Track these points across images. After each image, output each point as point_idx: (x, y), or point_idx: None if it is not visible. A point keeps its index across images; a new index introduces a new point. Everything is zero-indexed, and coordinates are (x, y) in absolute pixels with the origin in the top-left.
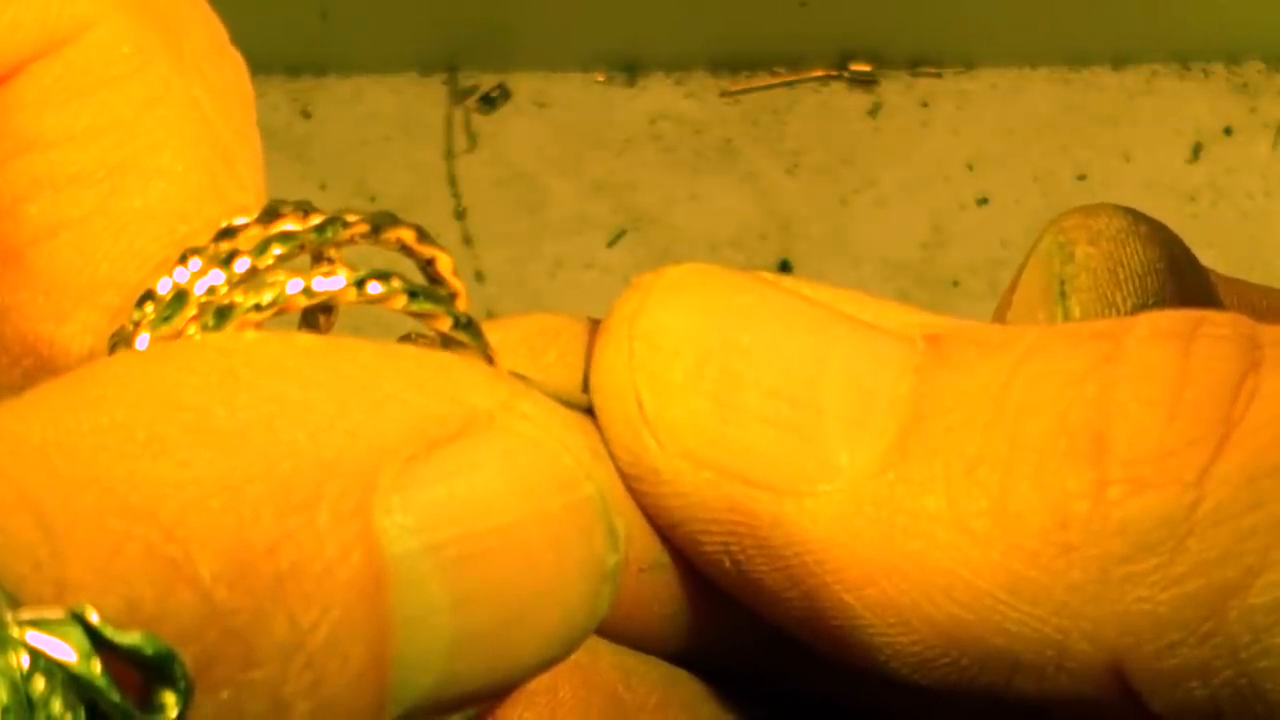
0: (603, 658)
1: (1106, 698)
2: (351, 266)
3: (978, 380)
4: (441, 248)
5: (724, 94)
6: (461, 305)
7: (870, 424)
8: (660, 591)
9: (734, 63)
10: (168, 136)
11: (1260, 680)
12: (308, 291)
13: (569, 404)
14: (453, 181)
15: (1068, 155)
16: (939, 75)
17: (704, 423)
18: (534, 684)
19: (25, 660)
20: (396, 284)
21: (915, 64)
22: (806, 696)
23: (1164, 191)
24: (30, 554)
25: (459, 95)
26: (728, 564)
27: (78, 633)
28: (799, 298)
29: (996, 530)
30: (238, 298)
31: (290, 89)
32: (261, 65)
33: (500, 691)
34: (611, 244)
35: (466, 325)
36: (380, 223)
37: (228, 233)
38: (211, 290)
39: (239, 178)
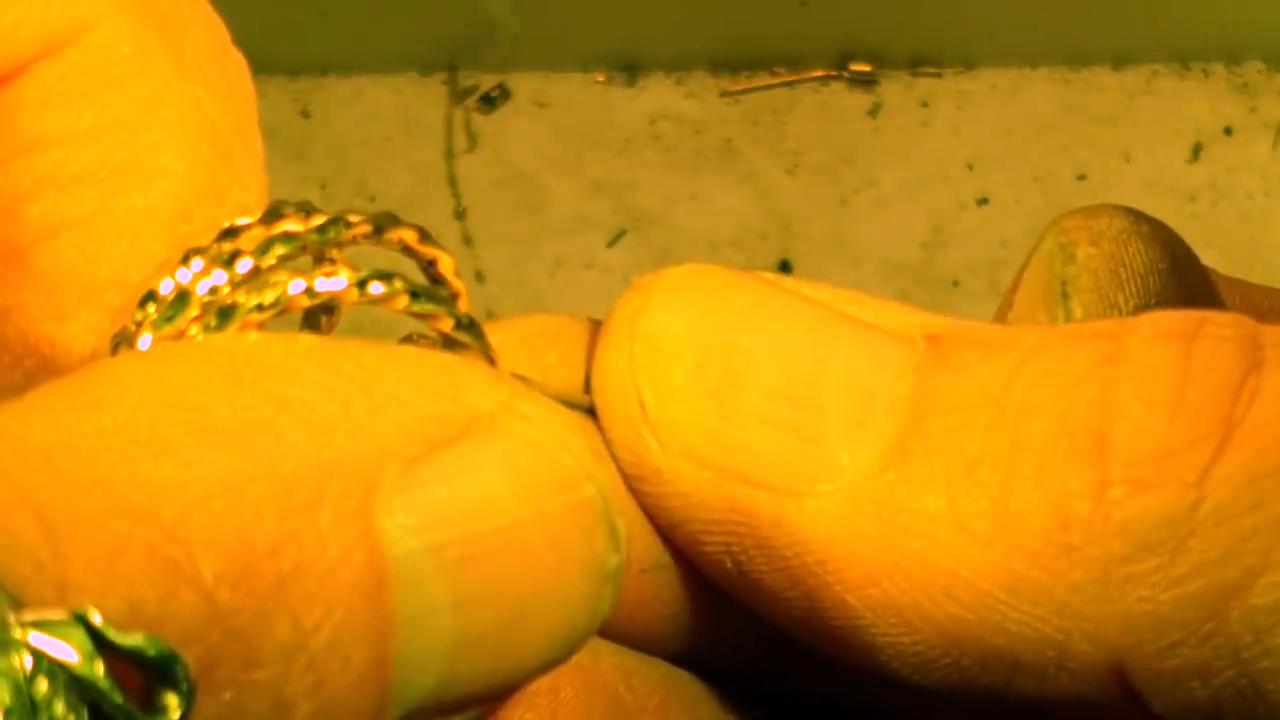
0: (604, 658)
1: (1108, 698)
2: (353, 267)
3: (979, 380)
4: (443, 248)
5: (724, 94)
6: (463, 306)
7: (871, 424)
8: (662, 592)
9: (734, 63)
10: (169, 136)
11: (1261, 680)
12: (310, 292)
13: (570, 405)
14: (453, 181)
15: (1068, 155)
16: (939, 75)
17: (705, 423)
18: (535, 685)
19: (28, 662)
20: (398, 284)
21: (915, 64)
22: (807, 696)
23: (1164, 191)
24: (32, 555)
25: (459, 95)
26: (729, 564)
27: (80, 634)
28: (799, 298)
29: (997, 530)
30: (240, 298)
31: (290, 89)
32: (261, 65)
33: (502, 692)
34: (611, 244)
35: (468, 326)
36: (382, 223)
37: (230, 233)
38: (214, 290)
39: (241, 178)
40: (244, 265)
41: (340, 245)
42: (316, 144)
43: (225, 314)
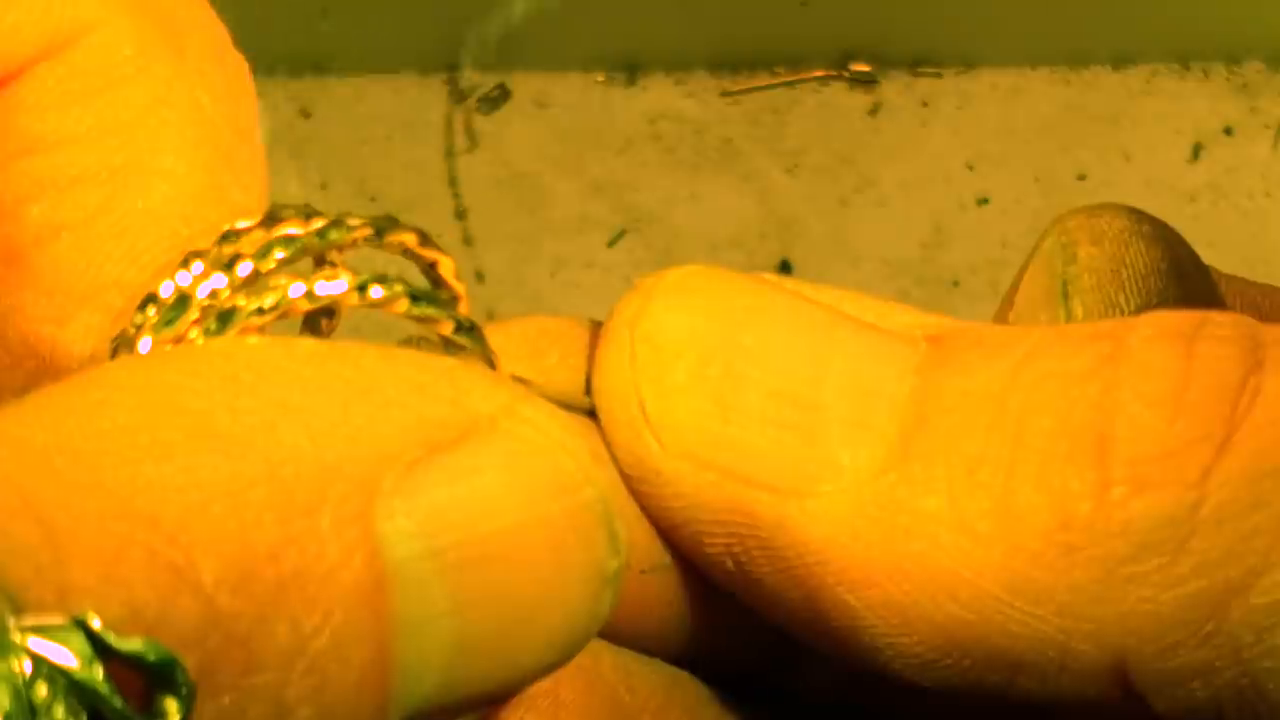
0: (605, 660)
1: (1109, 698)
2: (353, 270)
3: (980, 381)
4: (444, 251)
5: (724, 94)
6: (463, 308)
7: (872, 425)
8: (663, 593)
9: (734, 63)
10: (170, 138)
11: (1263, 681)
12: (310, 295)
13: (571, 407)
14: (453, 181)
15: (1068, 155)
16: (939, 75)
17: (706, 424)
18: (535, 687)
19: (28, 666)
20: (398, 288)
21: (915, 64)
22: (808, 698)
23: (1164, 191)
24: (32, 558)
25: (459, 95)
26: (730, 565)
27: (80, 638)
28: (800, 299)
29: (999, 531)
30: (240, 301)
31: (290, 89)
32: (262, 65)
33: (502, 695)
34: (612, 244)
35: (468, 329)
36: (382, 226)
37: (230, 236)
38: (214, 294)
39: (241, 180)
40: (244, 269)
41: (340, 248)
42: (316, 144)
43: (225, 317)
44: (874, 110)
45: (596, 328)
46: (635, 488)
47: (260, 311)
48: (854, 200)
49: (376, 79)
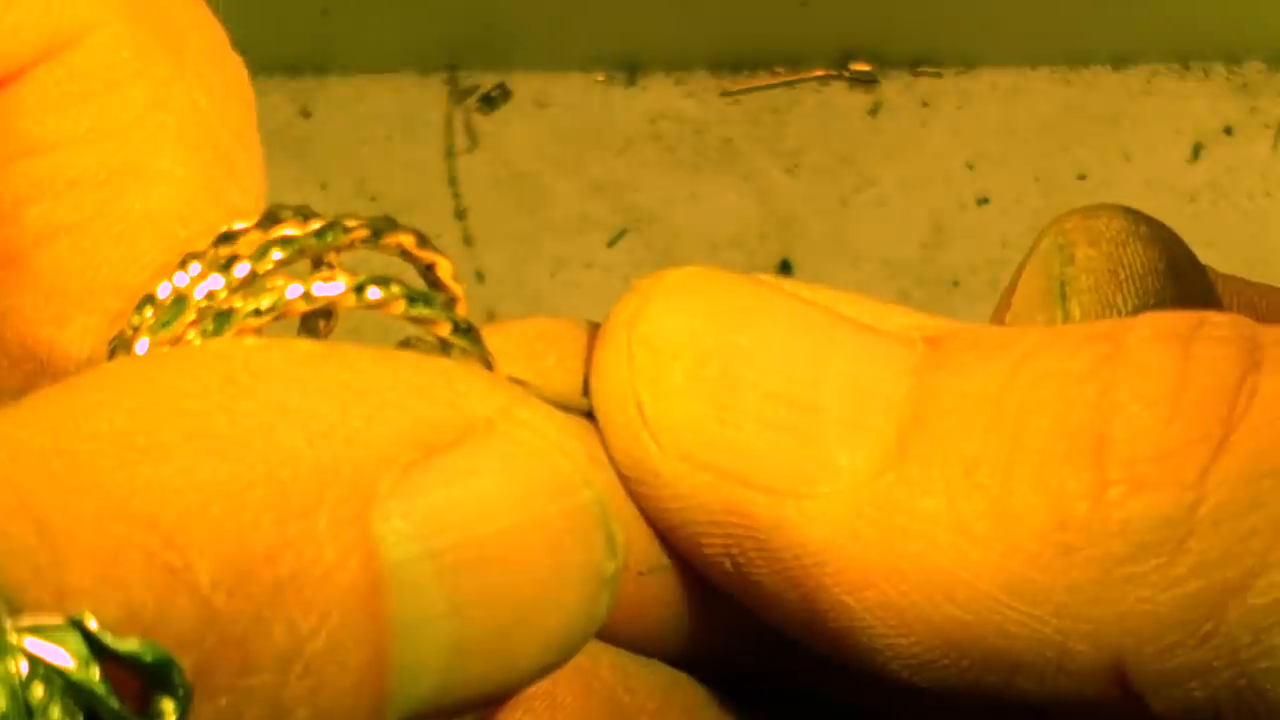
0: (603, 661)
1: (1108, 699)
2: (351, 272)
3: (977, 382)
4: (441, 253)
5: (724, 94)
6: (461, 310)
7: (869, 426)
8: (660, 594)
9: (734, 63)
10: (168, 140)
11: (1260, 681)
12: (307, 296)
13: (568, 408)
14: (453, 181)
15: (1068, 155)
16: (939, 75)
17: (703, 425)
18: (533, 688)
19: (24, 667)
20: (395, 289)
21: (915, 64)
22: (806, 698)
23: (1164, 191)
24: (30, 559)
25: (459, 95)
26: (728, 566)
27: (76, 639)
28: (798, 300)
29: (996, 531)
30: (237, 303)
31: (290, 89)
32: (261, 65)
33: (498, 697)
34: (612, 244)
35: (465, 330)
36: (380, 228)
37: (227, 237)
38: (211, 295)
39: (239, 181)
40: (241, 270)
41: (338, 250)
42: (316, 144)
43: (222, 319)
44: (874, 110)
45: (594, 329)
46: (633, 489)
47: (257, 313)
48: (854, 200)
49: (376, 79)
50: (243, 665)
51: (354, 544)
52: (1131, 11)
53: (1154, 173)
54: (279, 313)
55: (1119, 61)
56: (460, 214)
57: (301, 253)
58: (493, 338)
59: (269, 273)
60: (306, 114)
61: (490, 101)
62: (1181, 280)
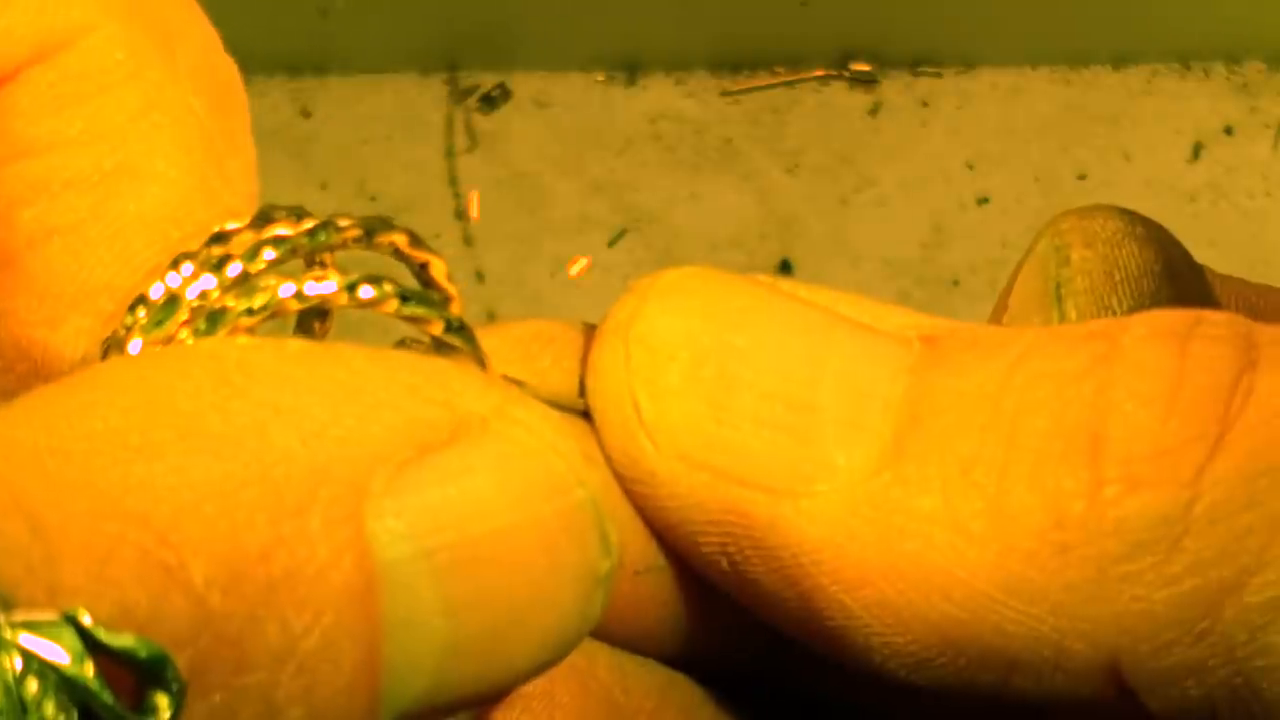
0: (599, 661)
1: (1104, 697)
2: (344, 271)
3: (974, 381)
4: (435, 252)
5: (724, 94)
6: (456, 309)
7: (866, 425)
8: (657, 593)
9: (734, 62)
10: (161, 142)
11: (1256, 679)
12: (299, 296)
13: (564, 407)
14: (453, 181)
15: (1068, 155)
16: (939, 75)
17: (700, 425)
18: (530, 688)
19: (18, 663)
20: (388, 288)
21: (915, 64)
22: (804, 698)
23: (1164, 191)
24: (23, 557)
25: (459, 95)
26: (725, 565)
27: (71, 635)
28: (795, 300)
29: (992, 530)
30: (229, 302)
31: (290, 89)
32: (261, 65)
33: (493, 696)
34: (612, 244)
35: (459, 329)
36: (373, 227)
37: (220, 237)
38: (203, 295)
39: (232, 182)
40: (234, 269)
41: (331, 249)
42: (316, 144)
43: (215, 318)
44: (874, 110)
45: (590, 330)
46: (630, 489)
47: (250, 312)
48: (854, 200)
49: (376, 79)
50: (237, 663)
51: (347, 543)
52: (1131, 11)
53: (1154, 173)
54: (271, 312)
55: (1119, 61)
56: (460, 214)
57: (294, 252)
58: (488, 339)
59: (261, 272)
60: (306, 114)
61: (490, 101)
62: (1177, 281)
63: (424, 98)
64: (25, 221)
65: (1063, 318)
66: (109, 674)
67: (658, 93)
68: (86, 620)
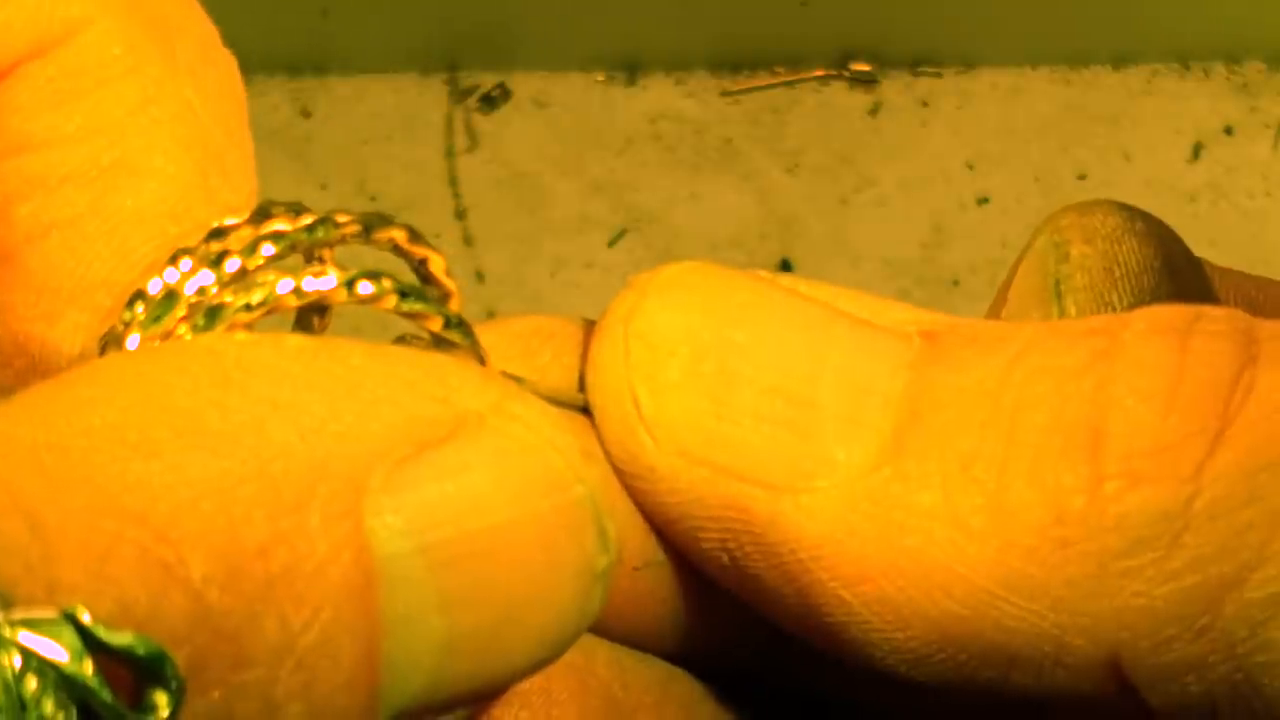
0: (599, 657)
1: (1104, 693)
2: (343, 267)
3: (974, 377)
4: (434, 248)
5: (724, 94)
6: (454, 306)
7: (866, 421)
8: (656, 589)
9: (734, 62)
10: (159, 137)
11: (1257, 675)
12: (298, 292)
13: (563, 403)
14: (453, 181)
15: (1068, 155)
16: (939, 75)
17: (700, 421)
18: (529, 684)
19: (17, 660)
20: (387, 284)
21: (915, 64)
22: (803, 695)
23: (1164, 191)
24: (22, 555)
25: (459, 95)
26: (725, 560)
27: (70, 633)
28: (795, 295)
29: (992, 526)
30: (227, 298)
31: (290, 89)
32: (261, 64)
33: (491, 692)
34: (612, 244)
35: (458, 325)
36: (371, 223)
37: (218, 233)
38: (202, 291)
39: (230, 178)
40: (232, 265)
41: (329, 245)
42: (316, 144)
43: (213, 314)
44: (874, 110)
45: (590, 327)
46: (629, 484)
47: (248, 308)
48: (854, 200)
49: (376, 79)
50: (236, 660)
51: (346, 539)
52: (1131, 11)
53: (1154, 173)
54: (269, 308)
55: (1119, 61)
56: (460, 214)
57: (293, 248)
58: (488, 335)
59: (260, 268)
60: (306, 114)
61: (490, 101)
62: (1177, 276)
63: (424, 98)
64: (23, 217)
65: (1062, 313)
66: (108, 672)
67: (658, 93)
68: (86, 618)
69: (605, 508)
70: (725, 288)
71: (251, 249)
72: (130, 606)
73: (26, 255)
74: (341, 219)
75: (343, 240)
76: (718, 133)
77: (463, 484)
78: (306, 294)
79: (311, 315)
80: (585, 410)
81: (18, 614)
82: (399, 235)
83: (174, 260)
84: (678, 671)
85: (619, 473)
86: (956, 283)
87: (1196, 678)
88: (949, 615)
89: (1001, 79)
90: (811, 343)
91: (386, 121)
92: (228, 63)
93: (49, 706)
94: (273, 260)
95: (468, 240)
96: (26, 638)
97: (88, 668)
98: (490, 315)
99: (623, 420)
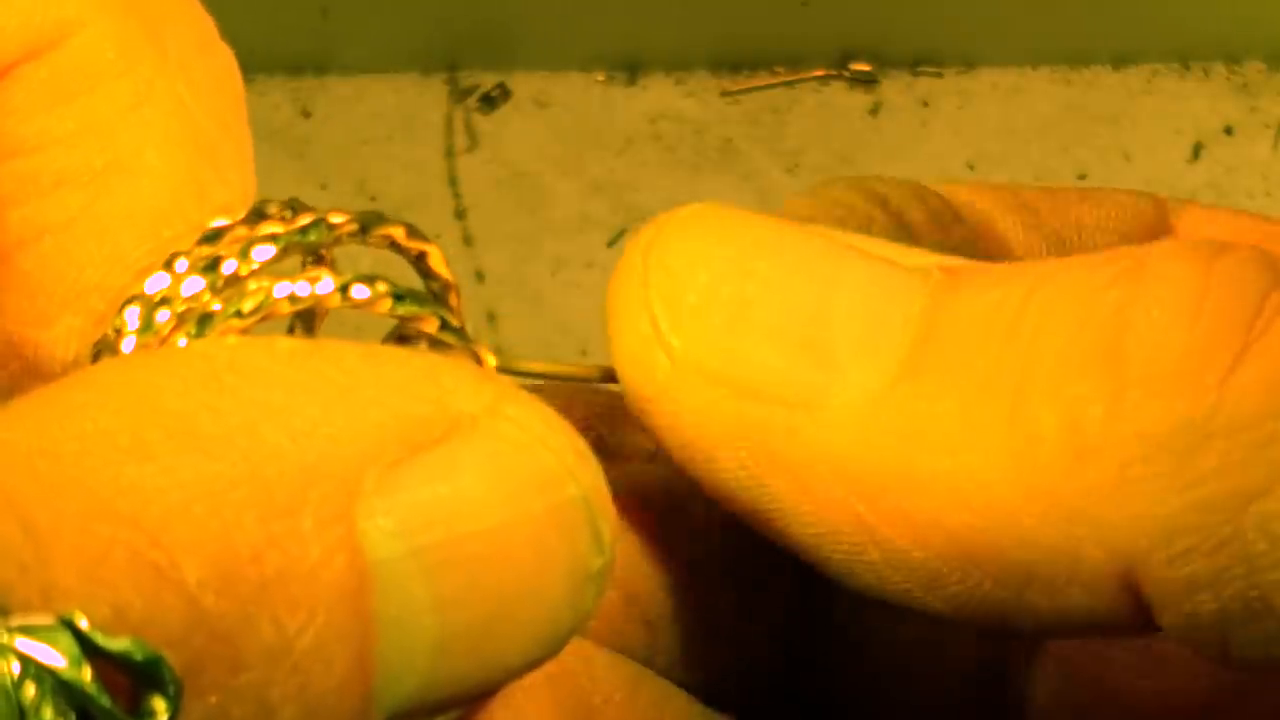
0: (568, 651)
1: (1117, 614)
2: (338, 271)
3: (993, 299)
4: (432, 242)
5: (724, 94)
6: (455, 297)
7: (884, 341)
8: (644, 614)
9: (734, 62)
10: (152, 139)
11: (1272, 593)
12: (292, 298)
13: (579, 379)
14: (453, 181)
15: (1068, 155)
16: (939, 75)
17: (718, 340)
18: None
19: (15, 667)
20: (381, 287)
21: (915, 64)
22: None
23: (1164, 191)
24: (16, 559)
25: (459, 95)
26: (740, 482)
27: (67, 639)
28: (815, 230)
29: (1010, 437)
30: (220, 305)
31: (290, 88)
32: (262, 64)
33: (484, 693)
34: (612, 244)
35: (454, 327)
36: (368, 222)
37: (212, 235)
38: (195, 295)
39: (224, 176)
40: (226, 268)
41: (325, 245)
42: (316, 144)
43: (206, 319)
44: (874, 110)
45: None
46: (644, 408)
47: (240, 315)
48: None
49: (376, 79)
50: (231, 663)
51: (339, 542)
52: (1131, 11)
53: (1154, 173)
54: (264, 314)
55: (1119, 61)
56: (460, 214)
57: (288, 250)
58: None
59: (254, 272)
60: (306, 114)
61: (490, 101)
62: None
63: (424, 98)
64: (16, 220)
65: None
66: (105, 677)
67: (658, 93)
68: (83, 623)
69: (600, 508)
70: (745, 221)
71: (246, 252)
72: (125, 611)
73: (20, 259)
74: (337, 219)
75: (338, 240)
76: (718, 133)
77: (455, 486)
78: (301, 299)
79: (306, 317)
80: (601, 379)
81: (15, 620)
82: (396, 232)
83: (167, 264)
84: (647, 670)
85: (633, 400)
86: None
87: (1212, 595)
88: (967, 528)
89: (1001, 79)
90: (830, 271)
91: (386, 121)
92: (224, 55)
93: (48, 713)
94: (267, 264)
95: (468, 240)
96: (24, 644)
97: (86, 674)
98: (490, 315)
99: (640, 341)
